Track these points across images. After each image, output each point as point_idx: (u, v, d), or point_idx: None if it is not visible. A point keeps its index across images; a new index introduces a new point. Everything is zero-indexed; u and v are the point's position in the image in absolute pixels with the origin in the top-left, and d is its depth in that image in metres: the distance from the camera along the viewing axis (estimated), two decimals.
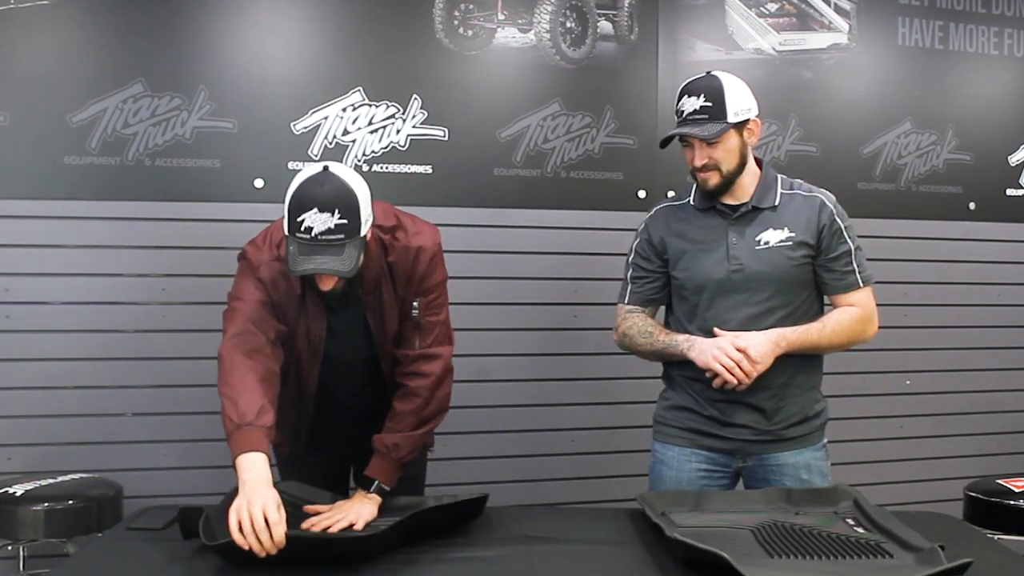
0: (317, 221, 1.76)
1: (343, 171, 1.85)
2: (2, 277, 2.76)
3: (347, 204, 1.79)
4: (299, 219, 1.77)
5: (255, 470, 1.72)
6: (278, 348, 1.97)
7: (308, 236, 1.77)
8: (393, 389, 2.09)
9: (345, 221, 1.77)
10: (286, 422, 2.16)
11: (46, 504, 2.37)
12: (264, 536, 1.58)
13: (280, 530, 1.59)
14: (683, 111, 2.07)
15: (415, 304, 2.03)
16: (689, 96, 2.06)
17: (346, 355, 2.07)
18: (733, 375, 2.00)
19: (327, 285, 1.88)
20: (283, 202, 1.82)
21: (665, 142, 2.15)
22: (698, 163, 2.08)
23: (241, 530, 1.58)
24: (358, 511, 1.87)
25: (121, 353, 2.84)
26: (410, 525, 1.73)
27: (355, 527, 1.82)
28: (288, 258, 1.80)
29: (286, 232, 1.81)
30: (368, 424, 2.08)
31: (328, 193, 1.78)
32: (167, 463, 2.82)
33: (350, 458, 2.21)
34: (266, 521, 1.59)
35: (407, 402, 2.03)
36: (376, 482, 1.94)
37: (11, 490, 2.42)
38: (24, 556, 2.62)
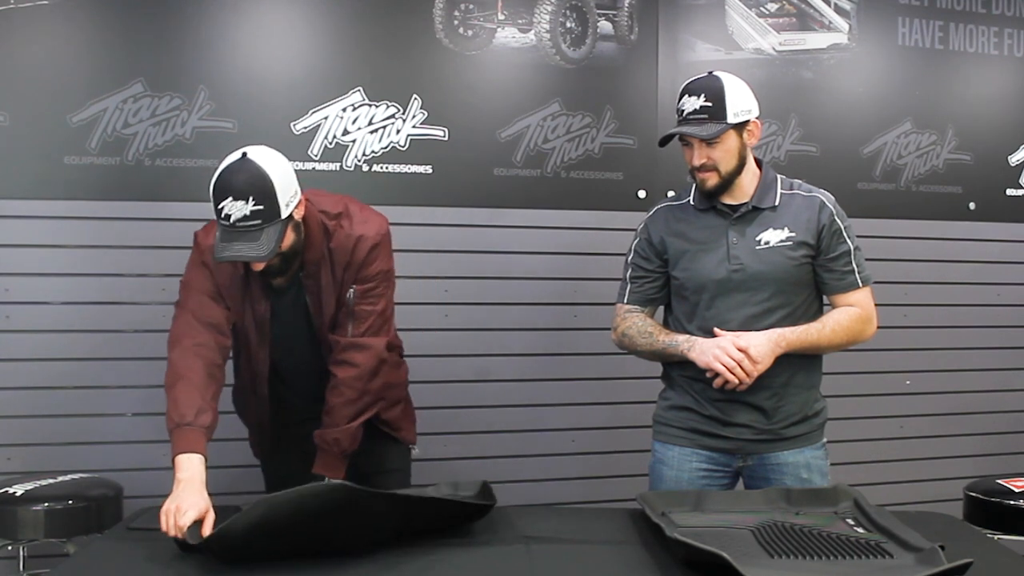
0: (233, 209, 1.82)
1: (262, 156, 1.89)
2: (2, 277, 2.76)
3: (262, 191, 1.83)
4: (219, 207, 1.84)
5: (189, 471, 1.81)
6: (223, 337, 2.03)
7: (227, 223, 1.83)
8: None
9: (261, 207, 1.82)
10: (249, 412, 2.22)
11: (46, 504, 2.36)
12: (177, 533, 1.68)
13: (192, 531, 1.67)
14: (683, 110, 2.07)
15: (351, 291, 2.05)
16: (690, 95, 2.07)
17: (291, 338, 2.11)
18: (734, 375, 2.00)
19: (259, 267, 1.92)
20: None
21: (665, 140, 2.15)
22: (697, 163, 2.08)
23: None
24: None
25: (121, 353, 2.83)
26: (404, 504, 1.71)
27: None
28: (215, 244, 1.87)
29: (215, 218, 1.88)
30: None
31: (242, 181, 1.83)
32: (167, 463, 2.78)
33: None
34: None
35: (337, 395, 2.06)
36: (325, 479, 1.98)
37: (11, 490, 2.42)
38: (24, 556, 2.62)
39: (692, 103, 2.05)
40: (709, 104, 2.04)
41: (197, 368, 1.94)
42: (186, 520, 1.69)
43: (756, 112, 2.11)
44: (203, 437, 1.89)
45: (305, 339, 2.11)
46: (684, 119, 2.07)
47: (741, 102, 2.07)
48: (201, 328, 2.00)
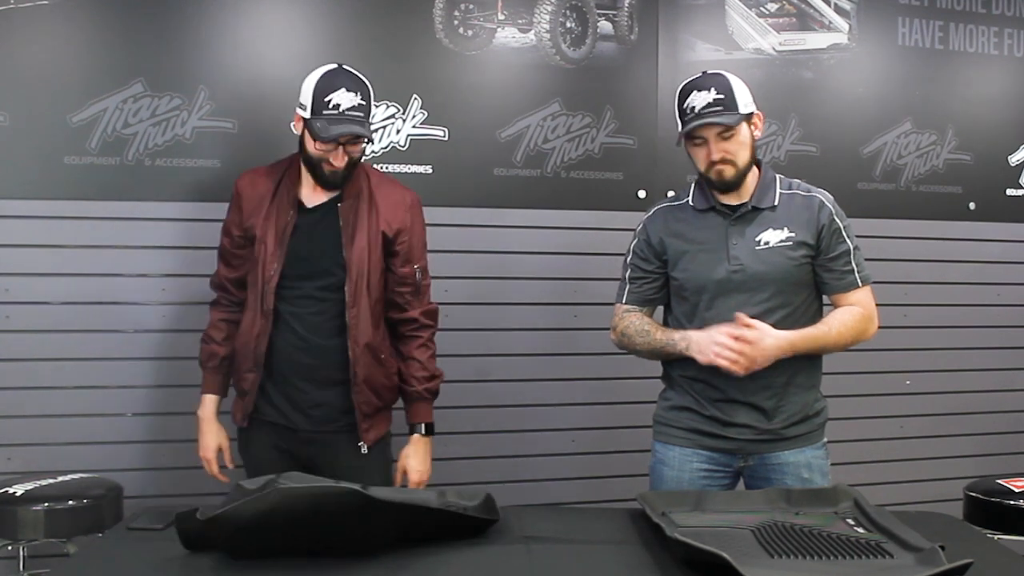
0: (345, 99, 2.12)
1: (355, 71, 2.21)
2: (2, 277, 2.76)
3: (367, 91, 2.17)
4: (327, 99, 2.12)
5: (200, 410, 2.37)
6: (233, 295, 2.35)
7: (336, 112, 2.11)
8: (343, 333, 2.22)
9: (365, 103, 2.15)
10: (247, 348, 2.26)
11: (46, 504, 2.36)
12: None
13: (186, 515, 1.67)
14: (695, 106, 2.06)
15: (416, 268, 2.34)
16: (699, 91, 2.06)
17: (311, 256, 2.22)
18: (739, 365, 1.99)
19: (340, 162, 2.16)
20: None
21: (684, 137, 2.11)
22: (715, 156, 2.06)
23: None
24: (422, 460, 2.34)
25: (121, 353, 2.83)
26: (412, 514, 1.72)
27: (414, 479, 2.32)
28: (317, 130, 2.11)
29: (309, 115, 2.14)
30: (320, 374, 2.22)
31: (353, 80, 2.16)
32: (167, 463, 2.82)
33: (302, 436, 2.28)
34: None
35: (424, 351, 2.36)
36: (423, 424, 2.35)
37: (11, 490, 2.42)
38: (24, 556, 2.62)
39: (704, 97, 2.05)
40: (721, 96, 2.05)
41: (222, 323, 2.36)
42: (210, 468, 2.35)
43: (754, 106, 2.13)
44: (216, 375, 2.35)
45: (326, 262, 2.22)
46: (698, 114, 2.05)
47: (745, 94, 2.10)
48: (229, 289, 2.35)
